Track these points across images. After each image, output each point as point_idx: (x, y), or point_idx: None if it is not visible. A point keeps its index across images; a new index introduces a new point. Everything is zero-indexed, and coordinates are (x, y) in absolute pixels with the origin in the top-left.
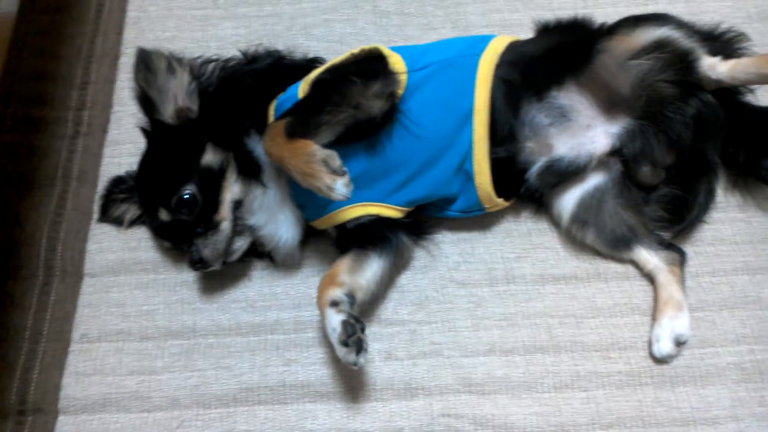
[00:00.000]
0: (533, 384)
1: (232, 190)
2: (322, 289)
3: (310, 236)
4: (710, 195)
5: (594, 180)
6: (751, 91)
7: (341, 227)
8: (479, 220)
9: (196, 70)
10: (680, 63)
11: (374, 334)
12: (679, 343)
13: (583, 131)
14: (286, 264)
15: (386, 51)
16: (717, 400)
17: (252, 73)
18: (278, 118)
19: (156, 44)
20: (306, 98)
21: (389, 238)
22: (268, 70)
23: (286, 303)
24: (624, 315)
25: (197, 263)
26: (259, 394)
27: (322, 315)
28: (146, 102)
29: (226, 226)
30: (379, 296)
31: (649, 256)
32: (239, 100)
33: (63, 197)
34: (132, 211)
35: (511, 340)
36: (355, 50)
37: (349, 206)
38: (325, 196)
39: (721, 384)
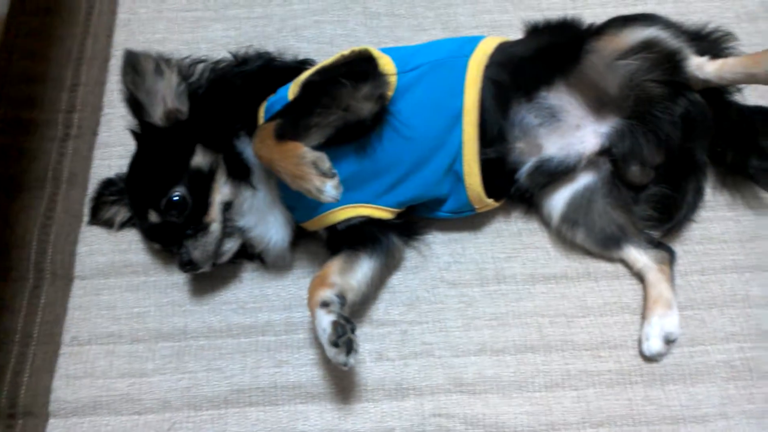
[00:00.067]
0: (524, 383)
1: (221, 191)
2: (312, 290)
3: (300, 237)
4: (699, 194)
5: (584, 180)
6: (739, 90)
7: (332, 228)
8: (470, 220)
9: (185, 70)
10: (668, 63)
11: (365, 334)
12: (669, 342)
13: (572, 131)
14: (277, 265)
15: (376, 52)
16: (707, 397)
17: (242, 75)
18: (268, 120)
19: (146, 46)
20: (296, 100)
21: (380, 239)
22: (258, 72)
23: (276, 304)
24: (614, 314)
25: (187, 265)
26: (251, 395)
27: (313, 316)
28: (135, 104)
29: (215, 227)
30: (370, 297)
31: (638, 255)
32: (229, 102)
33: (53, 200)
34: (122, 213)
35: (501, 339)
36: (345, 52)
37: (339, 208)
38: (314, 198)
39: (711, 382)
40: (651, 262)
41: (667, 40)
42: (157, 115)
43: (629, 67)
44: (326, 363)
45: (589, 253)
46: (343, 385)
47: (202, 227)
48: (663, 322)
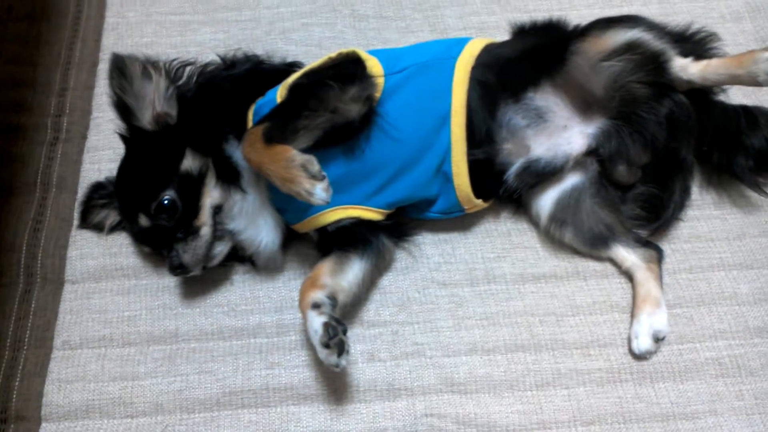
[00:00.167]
0: (515, 382)
1: (211, 195)
2: (303, 292)
3: (291, 239)
4: (686, 193)
5: (571, 180)
6: (723, 90)
7: (322, 230)
8: (459, 221)
9: (173, 73)
10: (652, 64)
11: (357, 335)
12: (658, 340)
13: (559, 132)
14: (268, 268)
15: (363, 54)
16: (696, 395)
17: (231, 79)
18: (256, 123)
19: (135, 50)
20: (283, 103)
21: (370, 241)
22: (246, 75)
23: (268, 306)
24: (603, 312)
25: (177, 268)
26: (243, 397)
27: (304, 317)
28: (123, 108)
29: (206, 231)
30: (361, 298)
31: (626, 254)
32: (218, 106)
33: (43, 204)
34: (112, 216)
35: (492, 339)
36: (333, 54)
37: (329, 209)
38: (304, 200)
39: (700, 379)
40: (639, 261)
41: (651, 42)
42: (145, 119)
43: (613, 69)
44: (318, 364)
45: (577, 252)
46: (335, 386)
47: (193, 231)
48: (652, 320)
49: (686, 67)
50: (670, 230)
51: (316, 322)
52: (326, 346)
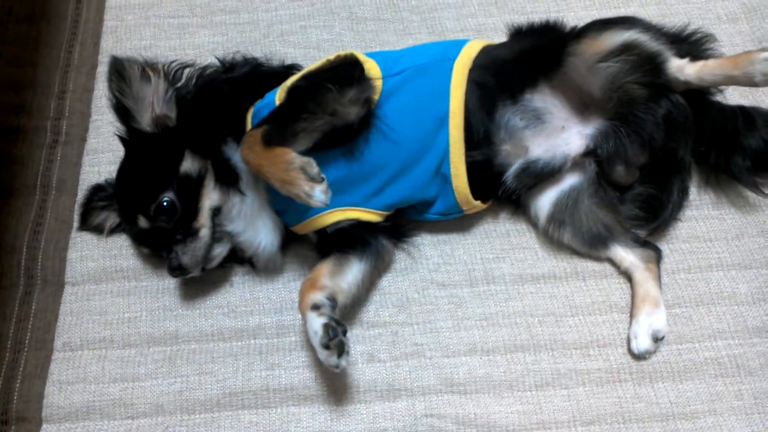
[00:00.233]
0: (514, 383)
1: (210, 197)
2: (303, 293)
3: (290, 241)
4: (684, 193)
5: (570, 180)
6: (720, 91)
7: (321, 232)
8: (458, 222)
9: (172, 75)
10: (648, 65)
11: (356, 336)
12: (657, 339)
13: (557, 133)
14: (267, 269)
15: (361, 57)
16: (695, 394)
17: (229, 81)
18: (255, 126)
19: (133, 53)
20: (282, 106)
21: (369, 242)
22: (245, 78)
23: (267, 307)
24: (602, 313)
25: (176, 270)
26: (243, 398)
27: (304, 319)
28: (122, 111)
29: (205, 233)
30: (361, 299)
31: (625, 254)
32: (217, 108)
33: (43, 206)
34: (112, 218)
35: (491, 339)
36: (331, 56)
37: (328, 211)
38: (303, 203)
39: (699, 379)
40: (638, 261)
41: (647, 43)
42: (145, 121)
43: (610, 70)
44: (318, 365)
45: (576, 252)
46: (334, 387)
47: (192, 232)
48: (651, 320)
49: (683, 68)
50: (668, 230)
51: (316, 323)
52: (326, 347)
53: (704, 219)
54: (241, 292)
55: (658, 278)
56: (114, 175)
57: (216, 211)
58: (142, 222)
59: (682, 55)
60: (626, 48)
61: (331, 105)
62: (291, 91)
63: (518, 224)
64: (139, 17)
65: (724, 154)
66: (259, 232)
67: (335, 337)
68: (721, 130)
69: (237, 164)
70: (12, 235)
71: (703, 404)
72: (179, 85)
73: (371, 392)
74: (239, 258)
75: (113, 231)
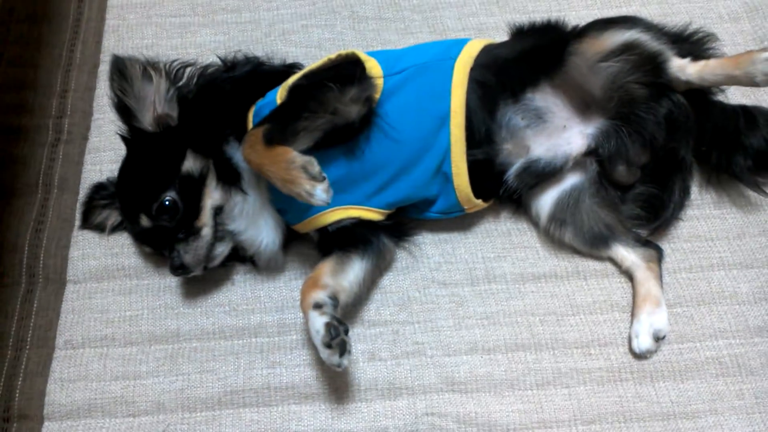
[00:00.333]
0: (515, 381)
1: (212, 196)
2: (305, 292)
3: (292, 240)
4: (685, 193)
5: (571, 180)
6: (722, 90)
7: (323, 230)
8: (459, 220)
9: (173, 74)
10: (649, 65)
11: (357, 335)
12: (658, 339)
13: (559, 132)
14: (269, 268)
15: (363, 56)
16: (696, 394)
17: (231, 80)
18: (256, 125)
19: (135, 52)
20: (283, 105)
21: (371, 241)
22: (247, 77)
23: (269, 306)
24: (603, 312)
25: (178, 269)
26: (244, 396)
27: (306, 317)
28: (124, 110)
29: (207, 232)
30: (362, 298)
31: (626, 254)
32: (219, 107)
33: (44, 205)
34: (114, 217)
35: (492, 338)
36: (332, 55)
37: (329, 210)
38: (305, 201)
39: (700, 378)
40: (639, 260)
41: (648, 43)
42: (146, 120)
43: (611, 69)
44: (319, 364)
45: (577, 252)
46: (336, 385)
47: (194, 231)
48: (652, 319)
49: (684, 68)
50: (669, 230)
51: (318, 322)
52: (328, 346)
53: (706, 218)
54: (242, 291)
55: (660, 277)
56: (116, 173)
57: (218, 210)
58: (144, 221)
59: (683, 55)
60: (627, 47)
61: (333, 104)
62: (292, 90)
63: (519, 223)
64: (140, 16)
65: (726, 154)
66: (261, 231)
67: (337, 336)
68: (722, 130)
69: (238, 163)
70: (14, 234)
71: (705, 404)
72: (181, 84)
73: (372, 391)
74: (241, 257)
75: (115, 229)
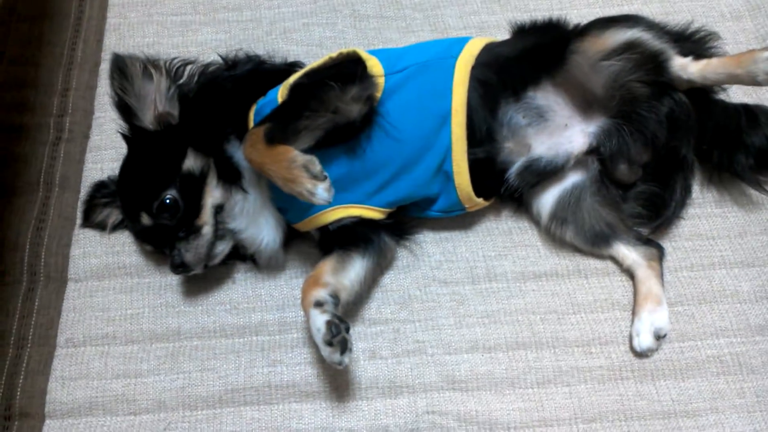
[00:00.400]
0: (516, 380)
1: (213, 194)
2: (306, 290)
3: (293, 238)
4: (686, 191)
5: (572, 178)
6: (724, 89)
7: (324, 229)
8: (460, 219)
9: (174, 72)
10: (651, 63)
11: (358, 333)
12: (659, 337)
13: (560, 131)
14: (270, 266)
15: (364, 54)
16: (697, 392)
17: (232, 79)
18: (258, 123)
19: (136, 50)
20: (284, 104)
21: (372, 239)
22: (248, 75)
23: (270, 304)
24: (604, 310)
25: (179, 267)
26: (245, 395)
27: (307, 316)
28: (125, 109)
29: (207, 230)
30: (363, 296)
31: (627, 252)
32: (220, 106)
33: (46, 203)
34: (115, 215)
35: (493, 336)
36: (334, 54)
37: (331, 208)
38: (306, 200)
39: (701, 377)
40: (640, 259)
41: (650, 41)
42: (147, 119)
43: (613, 68)
44: (320, 362)
45: (578, 250)
46: (336, 383)
47: (194, 230)
48: (653, 317)
49: (686, 67)
50: (671, 228)
51: (319, 320)
52: (329, 344)
53: (707, 217)
54: (243, 289)
55: (661, 276)
56: (117, 172)
57: (218, 209)
58: (145, 219)
59: (685, 54)
60: (629, 46)
61: (334, 103)
62: (293, 88)
63: (520, 222)
64: (142, 14)
65: (727, 152)
66: (262, 230)
67: (338, 334)
68: (724, 128)
69: (239, 162)
70: (15, 232)
71: (705, 402)
72: (181, 82)
73: (373, 389)
74: (242, 255)
75: (116, 228)
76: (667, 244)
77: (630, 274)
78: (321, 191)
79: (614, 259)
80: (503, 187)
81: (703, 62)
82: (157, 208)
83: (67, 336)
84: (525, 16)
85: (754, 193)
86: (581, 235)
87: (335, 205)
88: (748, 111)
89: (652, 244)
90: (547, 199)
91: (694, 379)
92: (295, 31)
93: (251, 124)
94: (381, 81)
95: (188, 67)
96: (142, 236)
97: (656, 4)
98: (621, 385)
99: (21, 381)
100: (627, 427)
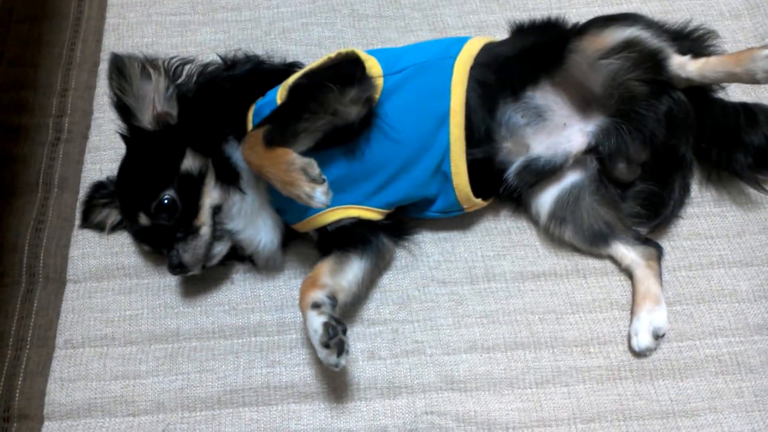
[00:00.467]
0: (515, 380)
1: (211, 195)
2: (303, 292)
3: (291, 239)
4: (685, 190)
5: (571, 178)
6: (723, 88)
7: (322, 230)
8: (459, 219)
9: (172, 71)
10: (649, 62)
11: (357, 333)
12: (658, 337)
13: (559, 130)
14: (268, 267)
15: (363, 54)
16: (696, 392)
17: (231, 79)
18: (257, 125)
19: (135, 50)
20: (283, 105)
21: (370, 240)
22: (247, 76)
23: (268, 305)
24: (603, 310)
25: (177, 267)
26: (244, 395)
27: (304, 317)
28: (123, 109)
29: (205, 231)
30: (361, 297)
31: (626, 251)
32: (218, 106)
33: (44, 204)
34: (113, 216)
35: (492, 337)
36: (332, 54)
37: (329, 209)
38: (304, 203)
39: (700, 376)
40: (639, 258)
41: (648, 40)
42: (146, 119)
43: (612, 67)
44: (318, 363)
45: (577, 250)
46: (335, 384)
47: (192, 230)
48: (651, 317)
49: (684, 65)
50: (669, 227)
51: (316, 321)
52: (326, 345)
53: (706, 216)
54: (242, 290)
55: (659, 275)
56: (115, 172)
57: (216, 210)
58: (143, 219)
59: (683, 52)
60: (628, 45)
61: (333, 105)
62: (292, 90)
63: (519, 222)
64: (140, 14)
65: (726, 151)
66: (260, 231)
67: (335, 336)
68: (722, 127)
69: (238, 163)
70: (14, 233)
71: (704, 401)
72: (180, 81)
73: (372, 389)
74: (240, 256)
75: (115, 228)
76: (665, 244)
77: (628, 273)
78: (319, 194)
79: (613, 259)
80: (502, 187)
81: (702, 61)
82: (155, 208)
83: (65, 337)
84: (524, 16)
85: (752, 192)
86: (580, 234)
87: (334, 206)
88: (747, 110)
89: (650, 243)
90: (546, 199)
91: (692, 379)
92: (293, 30)
93: (250, 124)
94: (380, 82)
95: (187, 67)
96: (140, 236)
97: (655, 3)
98: (619, 384)
99: (20, 382)
100: (625, 427)
